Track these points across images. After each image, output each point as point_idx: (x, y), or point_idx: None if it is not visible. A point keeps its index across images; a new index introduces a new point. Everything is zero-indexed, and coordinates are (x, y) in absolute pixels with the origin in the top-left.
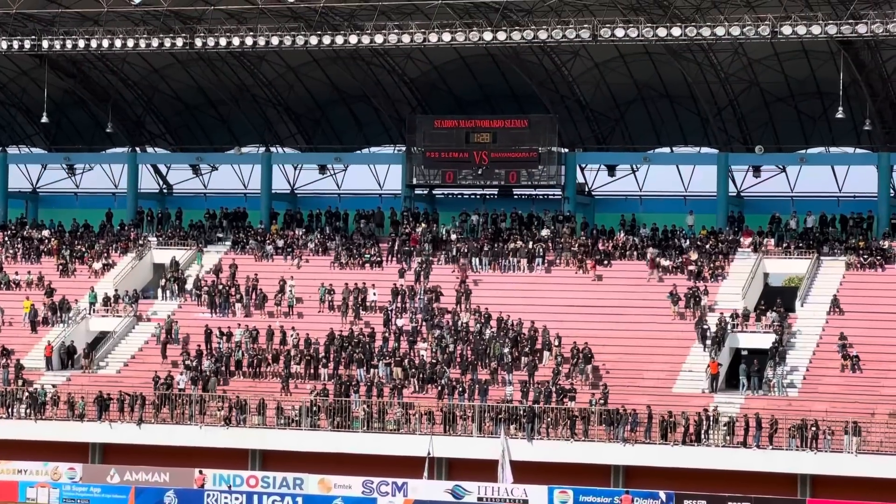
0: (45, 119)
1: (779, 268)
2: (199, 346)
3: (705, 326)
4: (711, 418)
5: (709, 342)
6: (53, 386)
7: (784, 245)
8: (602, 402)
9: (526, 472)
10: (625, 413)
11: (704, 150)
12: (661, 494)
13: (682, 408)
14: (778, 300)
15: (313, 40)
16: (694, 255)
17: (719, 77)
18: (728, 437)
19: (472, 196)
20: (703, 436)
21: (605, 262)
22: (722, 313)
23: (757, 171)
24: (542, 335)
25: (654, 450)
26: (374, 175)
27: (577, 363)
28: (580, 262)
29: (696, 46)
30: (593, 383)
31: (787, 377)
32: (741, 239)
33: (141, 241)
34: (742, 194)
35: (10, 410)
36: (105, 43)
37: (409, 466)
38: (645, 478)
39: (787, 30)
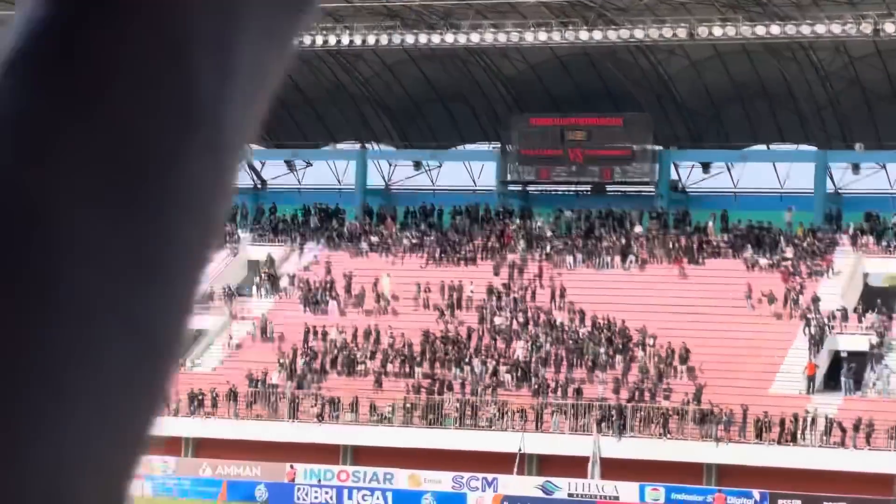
0: None
1: (879, 267)
2: (294, 344)
3: (809, 316)
4: (808, 419)
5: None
6: None
7: (884, 244)
8: (695, 401)
9: (617, 469)
10: (719, 412)
11: (802, 147)
12: (755, 493)
13: (779, 409)
14: (878, 301)
15: (409, 39)
16: (790, 254)
17: (819, 76)
18: (825, 438)
19: (566, 193)
20: (799, 436)
21: (700, 259)
22: (820, 314)
23: (856, 168)
24: (636, 333)
25: (749, 449)
26: (469, 172)
27: (671, 362)
28: (675, 258)
29: (796, 45)
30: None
31: (886, 379)
32: (840, 237)
33: (235, 237)
34: (840, 192)
35: None
36: None
37: (499, 462)
38: (738, 477)
39: (889, 27)
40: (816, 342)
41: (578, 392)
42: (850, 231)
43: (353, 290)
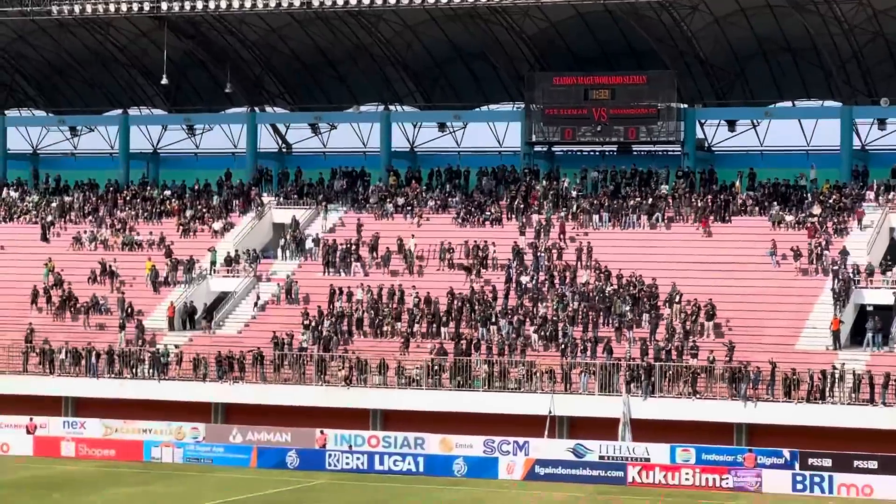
0: (164, 80)
1: None
2: (319, 305)
3: (835, 269)
4: (836, 375)
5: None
6: (176, 346)
7: None
8: (727, 359)
9: (647, 430)
10: (747, 370)
11: (827, 103)
12: (786, 453)
13: (806, 365)
14: None
15: None
16: (817, 210)
17: (843, 29)
18: (853, 395)
19: (592, 153)
20: (827, 393)
21: (726, 217)
22: (846, 269)
23: (882, 123)
24: (663, 292)
25: (778, 407)
26: (494, 133)
27: (697, 320)
28: (701, 216)
29: None
30: (715, 340)
31: None
32: (866, 193)
33: (260, 201)
34: (867, 148)
35: (133, 371)
36: (223, 4)
37: (530, 425)
38: (769, 436)
39: None
40: (842, 297)
41: (608, 351)
42: (876, 187)
43: (379, 252)
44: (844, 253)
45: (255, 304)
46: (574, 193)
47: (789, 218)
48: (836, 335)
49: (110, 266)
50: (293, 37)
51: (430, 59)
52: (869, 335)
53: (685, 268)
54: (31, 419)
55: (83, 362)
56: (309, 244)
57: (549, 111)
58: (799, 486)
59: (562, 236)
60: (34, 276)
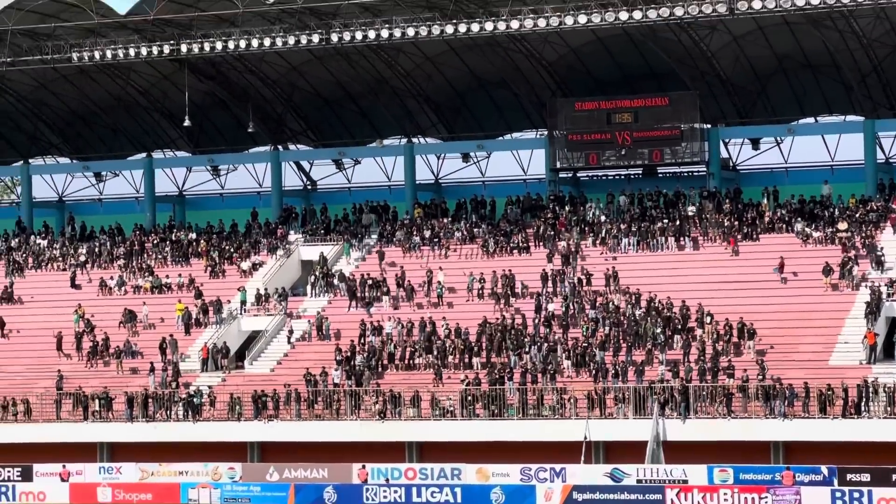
0: (187, 122)
1: None
2: (351, 340)
3: (865, 285)
4: (871, 389)
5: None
6: (209, 387)
7: None
8: (760, 377)
9: (684, 451)
10: (781, 388)
11: (850, 117)
12: (824, 469)
13: (840, 380)
14: None
15: (449, 29)
16: (843, 226)
17: (861, 43)
18: (889, 408)
19: (617, 177)
20: (863, 408)
21: (753, 236)
22: (875, 282)
23: None
24: (694, 313)
25: (814, 424)
26: (518, 161)
27: (730, 339)
28: (729, 236)
29: (837, 13)
30: (755, 360)
31: None
32: (893, 206)
33: (288, 240)
34: (891, 161)
35: (167, 413)
36: (242, 43)
37: (566, 451)
38: (806, 453)
39: None
40: (873, 311)
41: (640, 374)
42: None
43: (407, 285)
44: (879, 261)
45: (288, 341)
46: (602, 218)
47: (816, 234)
48: (872, 349)
49: (140, 310)
50: (313, 73)
51: (451, 89)
52: None
53: (715, 287)
54: (63, 466)
55: (116, 407)
56: (338, 280)
57: (573, 137)
58: (839, 503)
59: (592, 264)
60: (64, 324)
